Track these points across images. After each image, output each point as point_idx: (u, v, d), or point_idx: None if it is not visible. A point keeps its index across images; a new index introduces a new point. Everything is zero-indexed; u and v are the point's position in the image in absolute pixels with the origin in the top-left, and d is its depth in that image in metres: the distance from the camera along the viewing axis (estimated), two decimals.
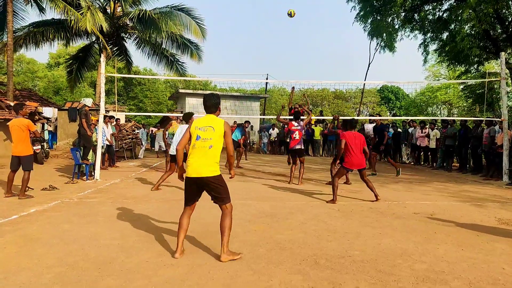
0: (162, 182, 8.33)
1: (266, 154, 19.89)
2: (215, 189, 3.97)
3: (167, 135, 11.02)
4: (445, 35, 16.52)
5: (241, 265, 3.78)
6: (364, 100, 38.02)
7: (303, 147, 9.28)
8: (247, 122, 13.04)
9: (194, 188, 4.05)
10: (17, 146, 7.18)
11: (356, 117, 18.37)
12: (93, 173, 9.79)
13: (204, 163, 3.90)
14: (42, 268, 3.66)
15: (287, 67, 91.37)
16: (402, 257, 4.10)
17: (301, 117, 9.40)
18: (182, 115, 9.37)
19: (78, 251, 4.14)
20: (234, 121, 22.00)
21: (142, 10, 18.50)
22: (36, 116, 14.08)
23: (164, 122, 18.67)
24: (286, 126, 9.43)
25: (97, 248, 4.27)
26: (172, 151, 8.21)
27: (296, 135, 9.03)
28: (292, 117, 9.79)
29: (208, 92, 24.34)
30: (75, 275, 3.50)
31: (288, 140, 9.27)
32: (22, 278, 3.41)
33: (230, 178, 4.45)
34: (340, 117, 10.24)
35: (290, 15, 10.82)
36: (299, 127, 9.06)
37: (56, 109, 17.35)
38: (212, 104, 4.08)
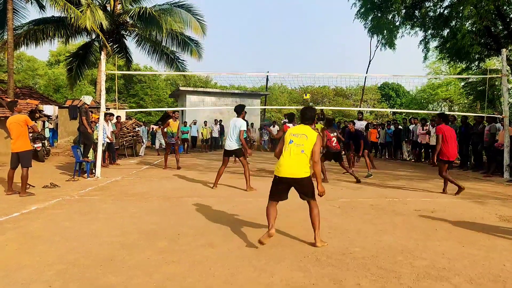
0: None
1: (267, 152, 19.88)
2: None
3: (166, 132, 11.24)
4: (446, 32, 16.46)
5: (242, 262, 3.78)
6: (365, 97, 38.00)
7: None
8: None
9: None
10: (15, 142, 7.17)
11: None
12: (94, 171, 9.80)
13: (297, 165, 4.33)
14: (44, 265, 3.67)
15: (287, 67, 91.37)
16: (403, 253, 4.11)
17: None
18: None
19: (79, 248, 4.15)
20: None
21: (142, 8, 18.48)
22: (36, 114, 14.08)
23: (165, 120, 18.67)
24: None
25: (99, 245, 4.28)
26: (227, 146, 7.99)
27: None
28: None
29: (209, 89, 24.36)
30: (77, 272, 3.51)
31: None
32: (24, 275, 3.41)
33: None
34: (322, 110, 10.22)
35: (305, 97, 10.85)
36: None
37: (57, 107, 17.38)
38: (310, 116, 4.59)
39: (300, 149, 4.28)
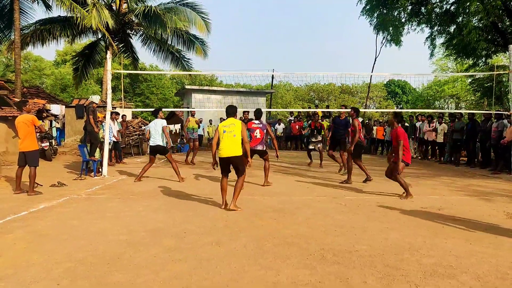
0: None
1: (272, 150, 19.85)
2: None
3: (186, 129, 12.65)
4: (452, 28, 16.35)
5: (248, 260, 3.79)
6: (371, 95, 37.82)
7: (264, 147, 8.46)
8: (246, 112, 11.70)
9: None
10: (23, 142, 7.24)
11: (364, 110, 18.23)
12: (100, 170, 9.86)
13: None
14: (52, 263, 3.70)
15: (293, 64, 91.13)
16: (410, 251, 4.09)
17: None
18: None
19: (86, 247, 4.18)
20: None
21: (147, 6, 18.53)
22: (44, 113, 14.20)
23: (172, 118, 18.72)
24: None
25: (106, 243, 4.31)
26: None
27: (257, 134, 8.34)
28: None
29: (214, 88, 24.37)
30: (84, 270, 3.54)
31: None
32: (32, 274, 3.45)
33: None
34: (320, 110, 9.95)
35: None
36: (261, 125, 8.40)
37: (64, 106, 17.47)
38: (233, 111, 6.16)
39: (232, 134, 5.86)
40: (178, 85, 41.85)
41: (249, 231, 4.82)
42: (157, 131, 8.90)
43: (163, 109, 10.47)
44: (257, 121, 8.52)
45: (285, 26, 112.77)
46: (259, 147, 8.38)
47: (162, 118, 9.32)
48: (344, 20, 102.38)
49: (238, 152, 5.89)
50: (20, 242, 4.35)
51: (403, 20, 17.86)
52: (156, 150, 8.99)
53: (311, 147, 12.28)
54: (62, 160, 12.92)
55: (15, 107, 11.65)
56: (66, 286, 3.20)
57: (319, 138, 12.14)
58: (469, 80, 24.19)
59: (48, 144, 12.32)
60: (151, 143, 8.98)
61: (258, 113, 8.66)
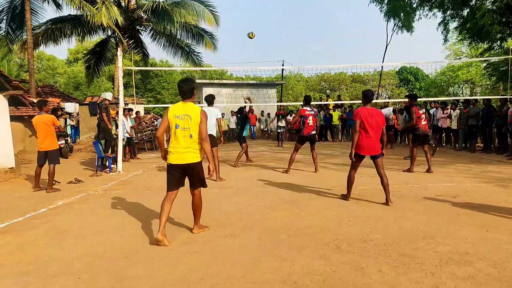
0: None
1: (284, 141, 19.85)
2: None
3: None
4: (465, 11, 16.02)
5: (263, 251, 3.84)
6: (383, 83, 37.37)
7: (316, 133, 8.79)
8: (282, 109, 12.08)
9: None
10: (43, 142, 7.39)
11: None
12: (115, 166, 10.00)
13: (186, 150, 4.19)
14: (72, 258, 3.80)
15: (303, 52, 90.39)
16: (425, 239, 4.08)
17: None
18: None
19: (105, 241, 4.28)
20: (251, 109, 22.03)
21: (155, 2, 18.59)
22: (58, 112, 14.41)
23: None
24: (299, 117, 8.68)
25: (123, 238, 4.40)
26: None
27: (310, 121, 8.57)
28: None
29: (225, 81, 24.40)
30: (103, 264, 3.63)
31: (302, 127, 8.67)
32: (54, 268, 3.55)
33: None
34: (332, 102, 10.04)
35: (250, 37, 11.09)
36: (313, 112, 8.61)
37: (77, 104, 17.72)
38: (188, 89, 4.24)
39: (188, 133, 4.13)
40: None
41: (263, 223, 4.87)
42: (211, 122, 7.77)
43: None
44: (309, 108, 8.67)
45: (296, 14, 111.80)
46: (313, 133, 8.68)
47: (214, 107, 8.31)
48: (354, 7, 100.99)
49: (194, 157, 4.19)
50: (41, 238, 4.47)
51: (414, 5, 17.59)
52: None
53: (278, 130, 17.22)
54: (78, 157, 13.15)
55: (34, 107, 11.86)
56: (86, 279, 3.29)
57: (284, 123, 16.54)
58: (484, 64, 23.69)
59: (63, 142, 12.54)
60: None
61: (308, 99, 8.83)
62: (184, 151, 4.13)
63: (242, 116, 10.75)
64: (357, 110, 5.81)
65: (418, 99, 9.43)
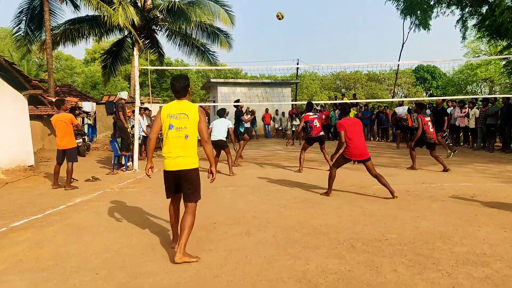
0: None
1: (298, 140, 19.79)
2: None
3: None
4: (484, 9, 15.72)
5: (277, 250, 3.85)
6: (399, 81, 36.93)
7: (323, 134, 9.28)
8: (238, 101, 12.53)
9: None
10: (62, 140, 7.54)
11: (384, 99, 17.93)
12: (131, 164, 10.13)
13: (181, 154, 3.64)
14: (90, 254, 3.88)
15: (318, 51, 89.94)
16: (441, 239, 4.03)
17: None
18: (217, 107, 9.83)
19: (122, 238, 4.35)
20: (266, 108, 22.05)
21: (171, 2, 18.73)
22: (76, 111, 14.68)
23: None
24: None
25: (139, 235, 4.47)
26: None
27: (316, 123, 8.90)
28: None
29: (239, 80, 24.44)
30: (120, 260, 3.69)
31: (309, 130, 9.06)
32: (72, 264, 3.63)
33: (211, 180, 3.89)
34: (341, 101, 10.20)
35: (278, 17, 10.83)
36: (316, 116, 9.01)
37: (94, 103, 18.02)
38: (182, 87, 3.75)
39: (183, 133, 3.62)
40: (204, 78, 42.18)
41: (277, 222, 4.87)
42: (223, 130, 9.01)
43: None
44: (311, 113, 9.06)
45: (310, 13, 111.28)
46: (321, 133, 9.04)
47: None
48: (371, 5, 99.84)
49: (193, 163, 3.68)
50: (60, 235, 4.57)
51: (431, 2, 17.32)
52: (218, 145, 8.93)
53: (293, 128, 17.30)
54: (95, 155, 13.36)
55: (53, 106, 12.09)
56: (104, 275, 3.35)
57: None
58: (503, 62, 23.20)
59: (81, 140, 12.77)
60: (213, 138, 8.77)
61: (310, 105, 9.30)
62: (177, 155, 3.61)
63: (238, 111, 11.81)
64: (340, 122, 6.36)
65: (435, 98, 9.69)
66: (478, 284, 2.99)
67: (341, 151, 6.41)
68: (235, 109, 12.14)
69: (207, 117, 17.70)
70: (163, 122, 3.68)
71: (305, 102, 10.05)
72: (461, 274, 3.18)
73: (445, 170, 8.60)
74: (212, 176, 3.85)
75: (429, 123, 8.72)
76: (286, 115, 21.71)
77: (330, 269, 3.35)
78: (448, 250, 3.72)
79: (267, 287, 3.05)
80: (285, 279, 3.18)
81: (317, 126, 8.90)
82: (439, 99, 13.46)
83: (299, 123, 17.68)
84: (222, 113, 9.42)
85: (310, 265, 3.45)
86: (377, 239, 4.10)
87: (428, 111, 15.79)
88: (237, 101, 12.38)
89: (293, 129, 17.91)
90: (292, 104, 19.86)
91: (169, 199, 3.92)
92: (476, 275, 3.15)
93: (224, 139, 8.98)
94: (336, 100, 25.87)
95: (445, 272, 3.23)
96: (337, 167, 6.46)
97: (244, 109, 20.23)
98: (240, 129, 11.62)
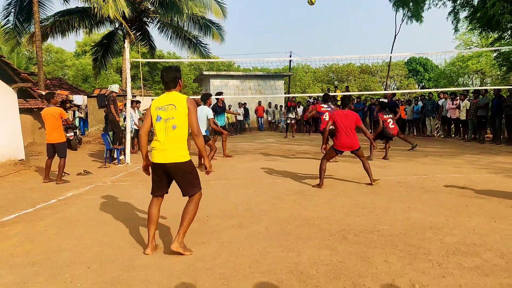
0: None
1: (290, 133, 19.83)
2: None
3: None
4: (476, 1, 15.77)
5: (270, 242, 3.86)
6: (391, 74, 37.02)
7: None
8: (220, 93, 11.56)
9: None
10: (51, 134, 7.47)
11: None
12: (124, 157, 10.08)
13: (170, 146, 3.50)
14: (81, 248, 3.86)
15: (310, 43, 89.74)
16: (432, 230, 4.07)
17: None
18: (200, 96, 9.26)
19: (114, 232, 4.33)
20: (259, 101, 22.02)
21: None
22: (67, 104, 14.54)
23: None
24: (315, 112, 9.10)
25: (132, 228, 4.45)
26: None
27: (326, 117, 8.73)
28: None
29: (232, 73, 24.35)
30: (112, 253, 3.68)
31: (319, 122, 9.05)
32: (63, 258, 3.61)
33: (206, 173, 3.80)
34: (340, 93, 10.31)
35: (310, 3, 10.53)
36: (329, 109, 8.79)
37: (86, 97, 17.84)
38: (170, 78, 3.64)
39: (170, 124, 3.48)
40: (196, 71, 41.95)
41: (270, 214, 4.88)
42: (201, 120, 7.88)
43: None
44: (325, 105, 9.00)
45: (302, 5, 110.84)
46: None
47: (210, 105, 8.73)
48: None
49: (182, 155, 3.50)
50: (51, 229, 4.54)
51: None
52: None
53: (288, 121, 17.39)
54: (87, 149, 13.27)
55: (43, 99, 11.96)
56: (96, 269, 3.34)
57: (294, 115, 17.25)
58: (494, 54, 23.35)
59: (72, 134, 12.66)
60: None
61: (326, 97, 9.27)
62: (165, 147, 3.46)
63: (215, 105, 10.93)
64: (333, 113, 6.70)
65: (426, 90, 10.10)
66: (468, 274, 3.02)
67: (331, 143, 6.65)
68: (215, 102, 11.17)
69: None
70: (152, 115, 3.57)
71: (298, 95, 10.05)
72: (451, 264, 3.22)
73: (385, 158, 9.39)
74: (206, 170, 3.73)
75: (390, 120, 9.55)
76: (280, 107, 21.71)
77: (322, 261, 3.36)
78: (439, 241, 3.76)
79: (259, 279, 3.05)
80: (277, 270, 3.19)
81: (326, 119, 8.68)
82: (389, 94, 13.74)
83: (294, 116, 17.69)
84: (205, 98, 8.58)
85: (303, 256, 3.47)
86: (368, 230, 4.13)
87: (420, 103, 15.96)
88: (220, 93, 11.53)
89: (288, 121, 17.83)
90: (292, 97, 19.83)
91: (151, 199, 3.77)
92: (466, 265, 3.18)
93: (203, 132, 8.13)
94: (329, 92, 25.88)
95: (436, 262, 3.26)
96: (327, 159, 6.60)
97: (228, 106, 20.06)
98: (221, 123, 10.42)
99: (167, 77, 3.62)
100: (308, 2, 10.44)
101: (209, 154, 8.01)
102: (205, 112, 8.35)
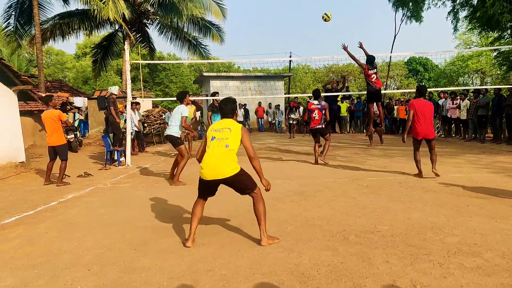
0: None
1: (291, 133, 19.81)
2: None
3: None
4: (475, 0, 15.76)
5: None
6: (391, 74, 37.00)
7: (323, 126, 8.84)
8: (215, 93, 11.09)
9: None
10: (51, 137, 7.49)
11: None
12: (124, 159, 10.07)
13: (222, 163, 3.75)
14: (82, 250, 3.86)
15: (310, 43, 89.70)
16: (433, 230, 4.07)
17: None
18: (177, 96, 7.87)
19: (114, 234, 4.33)
20: (259, 102, 22.01)
21: None
22: (68, 106, 14.54)
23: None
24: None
25: (132, 230, 4.45)
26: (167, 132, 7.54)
27: (316, 115, 8.68)
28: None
29: (232, 74, 24.34)
30: (113, 256, 3.67)
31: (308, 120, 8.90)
32: (64, 260, 3.61)
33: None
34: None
35: (325, 19, 10.28)
36: (319, 106, 8.70)
37: (86, 99, 17.85)
38: (229, 110, 4.03)
39: (224, 143, 3.76)
40: (197, 72, 41.96)
41: (271, 215, 4.86)
42: (175, 120, 7.38)
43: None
44: (316, 102, 8.80)
45: (302, 6, 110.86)
46: (319, 127, 8.77)
47: (189, 104, 8.01)
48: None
49: (231, 169, 3.75)
50: (52, 231, 4.54)
51: None
52: (169, 140, 7.58)
53: (290, 121, 17.19)
54: (87, 151, 13.27)
55: (41, 102, 11.98)
56: (96, 271, 3.33)
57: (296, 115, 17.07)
58: (494, 53, 23.35)
59: (73, 136, 12.66)
60: (166, 131, 7.57)
61: (315, 92, 8.98)
62: (217, 163, 3.71)
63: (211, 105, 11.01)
64: (411, 102, 6.93)
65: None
66: (469, 274, 3.02)
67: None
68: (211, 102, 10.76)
69: (200, 111, 17.29)
70: (208, 137, 3.90)
71: (298, 95, 10.00)
72: (453, 264, 3.21)
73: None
74: (265, 187, 4.03)
75: (373, 75, 9.60)
76: (280, 108, 21.68)
77: (323, 261, 3.36)
78: (440, 241, 3.75)
79: (260, 280, 3.05)
80: (278, 272, 3.18)
81: (315, 118, 8.65)
82: (432, 90, 13.67)
83: (296, 117, 17.65)
84: (181, 97, 7.56)
85: (303, 257, 3.46)
86: (369, 230, 4.13)
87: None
88: (215, 93, 11.17)
89: (290, 122, 17.75)
90: (294, 98, 19.81)
91: (196, 199, 4.08)
92: (467, 265, 3.18)
93: (175, 134, 7.32)
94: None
95: (437, 262, 3.25)
96: (417, 150, 7.03)
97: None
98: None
99: (226, 109, 4.02)
100: (324, 19, 10.28)
101: (180, 164, 7.23)
102: (180, 110, 7.35)
